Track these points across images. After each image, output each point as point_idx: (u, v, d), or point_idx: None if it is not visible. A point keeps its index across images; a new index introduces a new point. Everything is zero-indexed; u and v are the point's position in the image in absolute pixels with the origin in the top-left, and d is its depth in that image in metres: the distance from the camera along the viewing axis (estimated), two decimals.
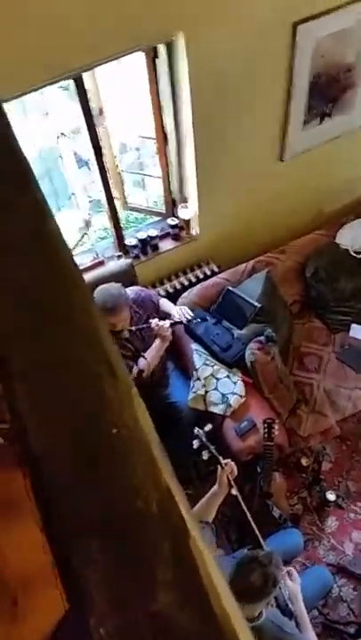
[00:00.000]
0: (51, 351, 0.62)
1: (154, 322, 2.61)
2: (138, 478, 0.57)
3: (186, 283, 3.31)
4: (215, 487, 2.30)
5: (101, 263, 3.14)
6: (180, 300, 3.19)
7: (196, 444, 2.37)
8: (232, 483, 2.28)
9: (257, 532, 2.24)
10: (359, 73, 3.08)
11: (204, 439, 2.37)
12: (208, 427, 2.43)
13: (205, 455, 2.33)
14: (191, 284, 3.29)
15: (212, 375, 2.93)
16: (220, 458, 2.33)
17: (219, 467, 2.30)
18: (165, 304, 2.94)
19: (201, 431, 2.40)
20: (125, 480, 0.57)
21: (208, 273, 3.36)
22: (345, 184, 3.69)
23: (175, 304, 3.13)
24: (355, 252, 3.38)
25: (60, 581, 0.56)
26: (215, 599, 0.53)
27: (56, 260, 0.65)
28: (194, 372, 2.96)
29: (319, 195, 3.65)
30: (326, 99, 3.11)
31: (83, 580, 0.54)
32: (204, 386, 2.90)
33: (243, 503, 2.24)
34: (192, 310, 3.09)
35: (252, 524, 2.24)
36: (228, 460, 2.34)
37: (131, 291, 2.76)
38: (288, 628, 1.98)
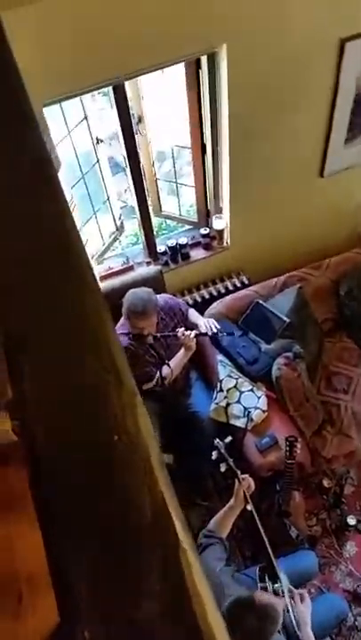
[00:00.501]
0: (61, 353, 0.64)
1: (180, 331, 2.62)
2: (135, 486, 0.58)
3: (215, 293, 3.31)
4: (231, 501, 2.28)
5: (131, 268, 3.17)
6: (208, 310, 3.19)
7: (215, 455, 2.36)
8: (248, 498, 2.26)
9: (270, 552, 2.20)
10: None
11: (223, 451, 2.35)
12: (228, 439, 2.41)
13: (223, 467, 2.31)
14: (220, 295, 3.28)
15: (235, 387, 2.91)
16: (238, 472, 2.30)
17: (236, 481, 2.28)
18: (193, 314, 2.94)
19: (221, 442, 2.38)
20: (122, 487, 0.58)
21: (238, 285, 3.35)
22: None
23: (203, 314, 3.13)
24: None
25: (51, 581, 0.57)
26: (201, 613, 0.53)
27: (72, 265, 0.66)
28: (217, 384, 2.94)
29: (357, 213, 3.59)
30: None
31: (71, 582, 0.54)
32: (226, 397, 2.88)
33: (258, 520, 2.21)
34: (220, 322, 3.09)
35: (266, 542, 2.20)
36: (246, 475, 2.32)
37: (160, 298, 2.78)
38: None
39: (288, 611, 2.10)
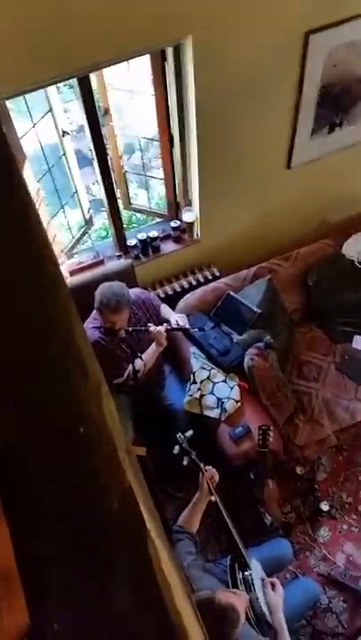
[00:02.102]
0: (24, 347, 0.63)
1: (152, 327, 2.62)
2: (102, 477, 0.58)
3: (186, 286, 3.32)
4: (197, 494, 2.30)
5: (101, 262, 3.15)
6: (180, 302, 3.20)
7: (176, 449, 2.37)
8: (212, 490, 2.27)
9: (238, 540, 2.22)
10: None
11: (184, 444, 2.36)
12: (189, 432, 2.43)
13: (185, 461, 2.33)
14: (191, 288, 3.29)
15: (208, 379, 2.93)
16: (201, 464, 2.32)
17: (200, 473, 2.30)
18: (165, 310, 2.95)
19: (182, 436, 2.39)
20: (89, 478, 0.58)
21: (209, 277, 3.36)
22: (352, 195, 3.69)
23: (174, 307, 3.14)
24: (359, 264, 3.36)
25: (20, 575, 0.56)
26: (168, 597, 0.53)
27: (35, 257, 0.65)
28: (191, 376, 2.96)
29: (325, 204, 3.65)
30: (337, 109, 3.11)
31: (40, 575, 0.54)
32: (199, 389, 2.90)
33: (223, 510, 2.23)
34: (192, 315, 3.10)
35: (233, 531, 2.22)
36: (209, 467, 2.34)
37: (132, 292, 2.77)
38: None
39: (258, 599, 2.13)
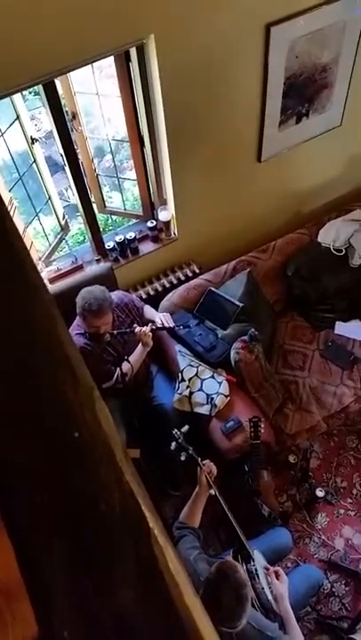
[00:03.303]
0: (11, 354, 0.62)
1: (137, 328, 2.62)
2: (100, 480, 0.58)
3: (167, 285, 3.32)
4: (197, 489, 2.31)
5: (80, 268, 3.14)
6: (162, 302, 3.20)
7: (173, 445, 2.38)
8: (211, 483, 2.29)
9: (240, 533, 2.24)
10: (336, 73, 3.11)
11: (180, 440, 2.38)
12: (185, 428, 2.44)
13: (183, 456, 2.34)
14: (173, 286, 3.30)
15: (196, 376, 2.94)
16: (199, 459, 2.33)
17: (198, 468, 2.31)
18: (149, 310, 2.94)
19: (179, 432, 2.41)
20: (88, 482, 0.58)
21: (189, 274, 3.37)
22: (324, 183, 3.73)
23: (157, 307, 3.14)
24: (336, 250, 3.40)
25: (25, 586, 0.56)
26: (177, 595, 0.53)
27: (15, 263, 0.65)
28: (178, 374, 2.96)
29: (298, 195, 3.68)
30: (303, 99, 3.14)
31: (44, 582, 0.54)
32: (188, 387, 2.91)
33: (223, 503, 2.25)
34: (175, 313, 3.10)
35: (235, 523, 2.24)
36: (207, 461, 2.35)
37: (114, 295, 2.76)
38: (270, 632, 1.95)
39: (263, 589, 2.15)
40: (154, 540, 0.55)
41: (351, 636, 2.63)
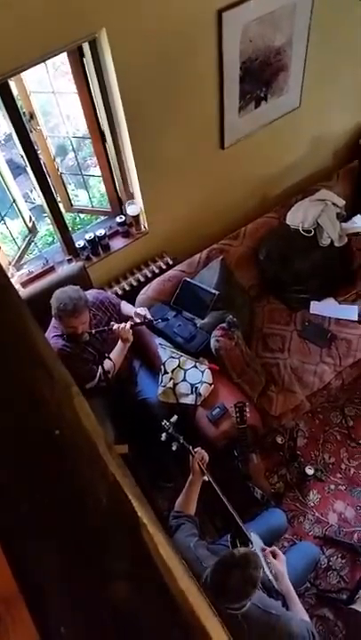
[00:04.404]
0: None
1: (115, 325, 2.61)
2: (85, 474, 0.58)
3: (142, 279, 3.31)
4: (190, 477, 2.33)
5: (52, 269, 3.10)
6: (138, 297, 3.19)
7: (163, 436, 2.39)
8: (204, 469, 2.31)
9: (236, 517, 2.27)
10: (290, 55, 3.13)
11: (170, 430, 2.39)
12: (174, 418, 2.45)
13: (174, 446, 2.35)
14: (148, 280, 3.29)
15: (179, 367, 2.95)
16: (190, 447, 2.35)
17: (190, 456, 2.33)
18: (126, 306, 2.94)
19: (168, 423, 2.42)
20: (73, 478, 0.57)
21: (163, 267, 3.37)
22: (288, 165, 3.76)
23: (133, 302, 3.13)
24: (305, 232, 3.44)
25: (17, 586, 0.56)
26: (171, 580, 0.54)
27: None
28: (161, 367, 2.97)
29: (264, 178, 3.70)
30: (260, 83, 3.15)
31: (36, 582, 0.54)
32: (172, 379, 2.92)
33: (217, 488, 2.27)
34: (152, 306, 3.10)
35: (230, 508, 2.27)
36: (198, 448, 2.37)
37: (88, 294, 2.74)
38: (274, 610, 1.99)
39: (264, 569, 2.18)
40: (143, 529, 0.56)
41: (351, 606, 2.69)
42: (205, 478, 2.32)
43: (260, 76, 3.11)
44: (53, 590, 0.53)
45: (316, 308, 3.40)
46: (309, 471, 3.12)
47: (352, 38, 3.37)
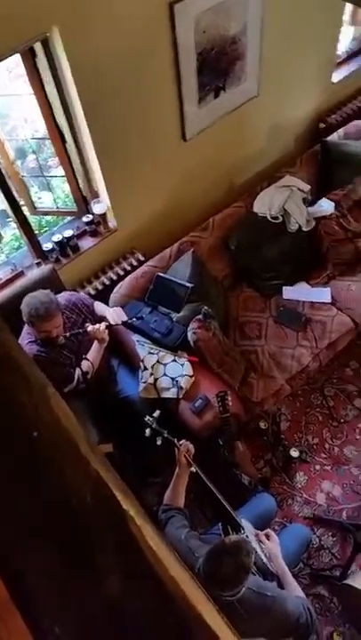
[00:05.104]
0: None
1: (89, 327, 2.59)
2: (68, 474, 0.57)
3: (114, 277, 3.29)
4: (177, 469, 2.34)
5: (21, 274, 3.06)
6: (112, 296, 3.17)
7: (147, 431, 2.40)
8: (190, 461, 2.33)
9: (226, 505, 2.29)
10: (245, 43, 3.13)
11: (154, 425, 2.40)
12: (157, 412, 2.46)
13: (159, 441, 2.36)
14: (120, 278, 3.27)
15: (158, 362, 2.95)
16: (175, 440, 2.36)
17: (175, 449, 2.34)
18: (99, 306, 2.91)
19: (151, 418, 2.43)
20: (56, 479, 0.57)
21: (135, 263, 3.35)
22: (252, 154, 3.78)
23: (107, 301, 3.11)
24: (273, 218, 3.47)
25: (7, 590, 0.56)
26: (162, 570, 0.54)
27: None
28: (140, 363, 2.96)
29: (228, 168, 3.71)
30: (217, 73, 3.15)
31: (27, 583, 0.53)
32: (152, 374, 2.92)
33: (205, 478, 2.29)
34: (127, 304, 3.09)
35: (219, 496, 2.29)
36: (183, 440, 2.38)
37: (60, 296, 2.72)
38: (270, 592, 2.03)
39: (258, 552, 2.21)
40: (131, 522, 0.56)
41: (344, 582, 2.75)
42: (193, 469, 2.34)
43: (217, 66, 3.11)
44: (45, 591, 0.53)
45: (289, 292, 3.44)
46: (294, 453, 3.16)
47: (306, 23, 3.39)
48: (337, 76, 3.99)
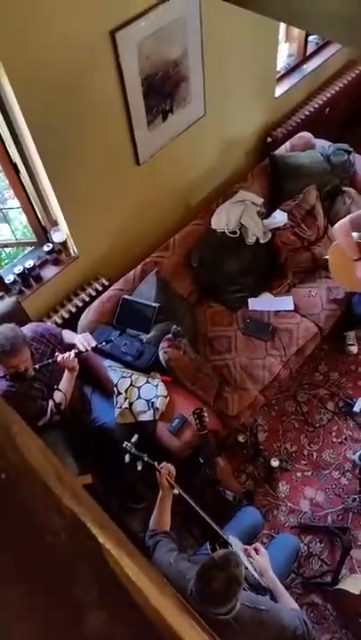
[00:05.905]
0: None
1: (59, 357, 2.56)
2: (39, 512, 0.56)
3: (80, 304, 3.27)
4: (160, 493, 2.32)
5: None
6: (79, 323, 3.15)
7: (127, 458, 2.37)
8: (172, 483, 2.31)
9: (211, 523, 2.28)
10: (188, 65, 3.21)
11: (133, 451, 2.37)
12: (135, 437, 2.44)
13: (140, 466, 2.33)
14: (86, 304, 3.26)
15: (132, 385, 2.93)
16: (155, 463, 2.34)
17: (156, 472, 2.32)
18: (67, 334, 2.88)
19: (129, 444, 2.40)
20: (27, 520, 0.56)
21: (100, 288, 3.34)
22: (205, 172, 3.84)
23: (75, 328, 3.09)
24: (231, 233, 3.52)
25: None
26: (143, 600, 0.54)
27: None
28: (114, 388, 2.94)
29: (184, 188, 3.77)
30: (163, 96, 3.21)
31: (8, 632, 0.52)
32: (126, 398, 2.89)
33: (189, 499, 2.27)
34: (95, 330, 3.07)
35: (204, 515, 2.27)
36: (163, 463, 2.36)
37: (26, 329, 2.68)
38: (263, 605, 2.01)
39: (248, 568, 2.20)
40: (107, 555, 0.55)
41: (336, 587, 2.75)
42: (175, 491, 2.31)
43: (163, 89, 3.18)
44: (25, 633, 0.52)
45: (254, 304, 3.49)
46: (275, 463, 3.18)
47: (244, 43, 3.51)
48: (279, 91, 4.13)
